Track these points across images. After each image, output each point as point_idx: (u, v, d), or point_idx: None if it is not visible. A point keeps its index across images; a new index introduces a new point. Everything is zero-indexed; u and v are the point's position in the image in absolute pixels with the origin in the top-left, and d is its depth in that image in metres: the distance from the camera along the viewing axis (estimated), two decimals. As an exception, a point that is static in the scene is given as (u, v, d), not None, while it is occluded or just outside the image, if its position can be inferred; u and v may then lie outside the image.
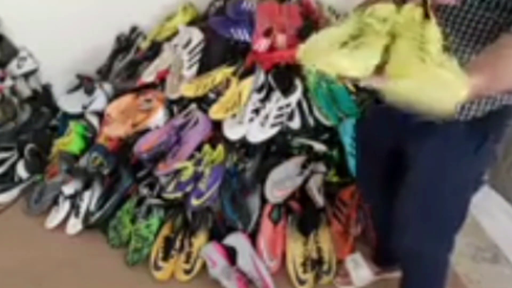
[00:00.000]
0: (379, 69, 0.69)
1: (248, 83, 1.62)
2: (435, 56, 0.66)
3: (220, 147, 1.64)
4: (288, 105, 1.58)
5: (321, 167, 1.65)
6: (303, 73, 1.64)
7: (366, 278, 1.49)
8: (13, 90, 2.03)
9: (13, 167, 1.94)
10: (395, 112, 0.91)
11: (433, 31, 0.68)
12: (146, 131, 1.74)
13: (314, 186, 1.59)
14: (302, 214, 1.60)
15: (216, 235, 1.59)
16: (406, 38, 0.68)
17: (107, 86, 1.93)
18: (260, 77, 1.62)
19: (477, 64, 0.77)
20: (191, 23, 1.88)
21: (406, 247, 1.14)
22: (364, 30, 0.71)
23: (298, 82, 1.61)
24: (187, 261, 1.54)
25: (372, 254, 1.50)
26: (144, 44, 1.96)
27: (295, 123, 1.62)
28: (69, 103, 2.00)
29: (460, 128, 0.97)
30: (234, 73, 1.67)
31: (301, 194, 1.63)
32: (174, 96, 1.73)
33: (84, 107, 1.93)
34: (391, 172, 1.18)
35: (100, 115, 1.92)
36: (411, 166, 1.08)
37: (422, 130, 1.00)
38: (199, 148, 1.66)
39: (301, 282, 1.48)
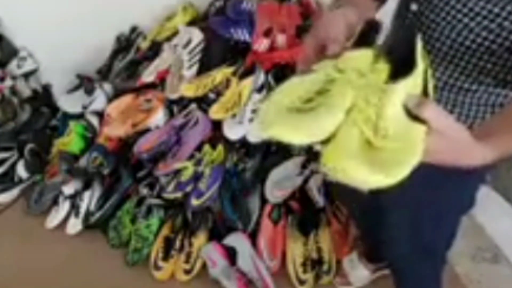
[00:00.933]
0: None
1: (248, 83, 1.62)
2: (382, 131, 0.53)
3: (220, 147, 1.64)
4: (288, 105, 1.58)
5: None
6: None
7: (364, 277, 1.49)
8: (13, 90, 2.03)
9: (13, 167, 1.94)
10: None
11: (392, 102, 0.54)
12: (146, 131, 1.74)
13: (314, 186, 1.59)
14: (302, 214, 1.60)
15: (216, 235, 1.59)
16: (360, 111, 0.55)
17: (107, 86, 1.93)
18: (260, 77, 1.62)
19: (498, 124, 0.70)
20: (191, 23, 1.88)
21: (395, 263, 1.14)
22: (333, 83, 0.59)
23: (298, 82, 1.61)
24: (187, 261, 1.54)
25: (364, 252, 1.50)
26: (144, 44, 1.96)
27: (295, 123, 1.62)
28: (69, 103, 2.00)
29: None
30: (234, 73, 1.66)
31: (301, 194, 1.63)
32: (174, 96, 1.73)
33: (84, 107, 1.93)
34: None
35: (100, 115, 1.92)
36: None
37: None
38: (199, 148, 1.66)
39: (301, 282, 1.48)
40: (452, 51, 0.78)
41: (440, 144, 0.54)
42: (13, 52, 2.04)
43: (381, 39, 0.67)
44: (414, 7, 0.82)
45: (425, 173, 0.85)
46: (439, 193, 0.94)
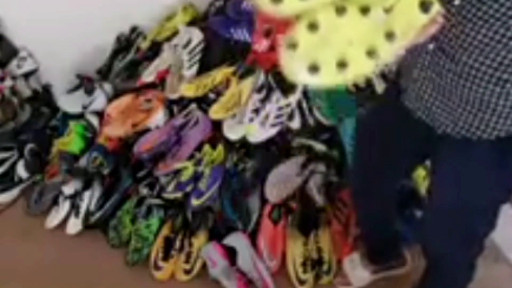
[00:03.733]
0: None
1: (248, 83, 1.62)
2: None
3: (220, 147, 1.64)
4: (288, 105, 1.58)
5: (321, 167, 1.65)
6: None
7: (364, 278, 1.49)
8: (13, 90, 2.03)
9: (13, 167, 1.93)
10: (419, 119, 0.97)
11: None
12: (146, 131, 1.74)
13: (314, 186, 1.59)
14: (302, 214, 1.60)
15: (216, 235, 1.59)
16: None
17: (107, 86, 1.93)
18: (260, 77, 1.62)
19: None
20: (191, 23, 1.88)
21: (434, 251, 1.15)
22: None
23: (298, 82, 1.61)
24: (187, 261, 1.54)
25: (367, 252, 1.50)
26: (144, 44, 1.96)
27: (295, 123, 1.62)
28: (69, 103, 2.00)
29: (483, 146, 0.93)
30: (234, 73, 1.67)
31: (301, 194, 1.63)
32: (174, 96, 1.73)
33: (84, 107, 1.93)
34: (400, 168, 1.17)
35: (100, 115, 1.92)
36: (435, 177, 1.08)
37: (444, 144, 0.98)
38: (199, 148, 1.66)
39: (301, 282, 1.48)
40: (500, 45, 0.79)
41: None
42: (13, 52, 2.04)
43: None
44: (457, 1, 0.82)
45: (457, 161, 0.93)
46: (471, 182, 0.97)
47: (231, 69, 1.67)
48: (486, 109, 0.88)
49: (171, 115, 1.77)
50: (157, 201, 1.66)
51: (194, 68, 1.73)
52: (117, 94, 1.90)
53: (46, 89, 2.15)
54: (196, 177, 1.59)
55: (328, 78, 0.72)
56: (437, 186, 1.08)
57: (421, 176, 1.57)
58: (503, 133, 0.91)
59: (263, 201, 1.61)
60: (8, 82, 1.99)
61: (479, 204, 1.01)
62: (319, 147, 1.68)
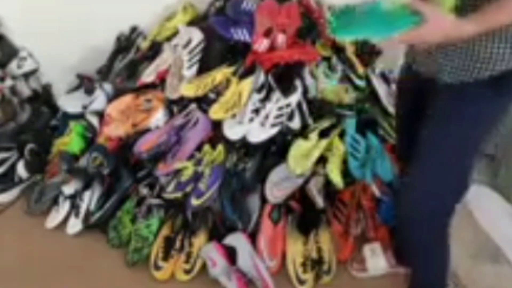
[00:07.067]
0: None
1: (248, 83, 1.62)
2: None
3: (220, 147, 1.64)
4: (288, 105, 1.58)
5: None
6: (302, 73, 1.65)
7: (381, 268, 1.50)
8: (13, 90, 2.03)
9: (13, 167, 1.94)
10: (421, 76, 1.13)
11: None
12: (146, 131, 1.74)
13: (314, 187, 1.59)
14: (302, 214, 1.60)
15: (216, 235, 1.59)
16: None
17: (107, 86, 1.93)
18: (260, 77, 1.62)
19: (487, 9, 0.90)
20: (191, 23, 1.88)
21: (410, 206, 1.16)
22: None
23: (298, 82, 1.61)
24: (187, 261, 1.54)
25: (395, 246, 1.51)
26: (144, 44, 1.96)
27: (295, 123, 1.62)
28: (69, 103, 2.00)
29: (472, 85, 1.02)
30: (234, 73, 1.67)
31: (301, 194, 1.63)
32: (174, 96, 1.73)
33: (84, 107, 1.93)
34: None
35: (100, 115, 1.92)
36: (425, 122, 1.13)
37: (440, 87, 1.07)
38: (199, 148, 1.66)
39: (301, 282, 1.48)
40: None
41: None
42: (13, 52, 2.05)
43: None
44: None
45: (461, 87, 1.04)
46: (470, 107, 1.05)
47: (231, 69, 1.67)
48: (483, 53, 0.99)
49: (171, 115, 1.77)
50: (157, 201, 1.66)
51: (194, 68, 1.74)
52: (117, 94, 1.90)
53: (46, 89, 2.16)
54: (196, 177, 1.59)
55: None
56: (424, 130, 1.12)
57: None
58: (489, 73, 1.00)
59: (263, 201, 1.61)
60: (8, 82, 2.00)
61: (453, 144, 1.07)
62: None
